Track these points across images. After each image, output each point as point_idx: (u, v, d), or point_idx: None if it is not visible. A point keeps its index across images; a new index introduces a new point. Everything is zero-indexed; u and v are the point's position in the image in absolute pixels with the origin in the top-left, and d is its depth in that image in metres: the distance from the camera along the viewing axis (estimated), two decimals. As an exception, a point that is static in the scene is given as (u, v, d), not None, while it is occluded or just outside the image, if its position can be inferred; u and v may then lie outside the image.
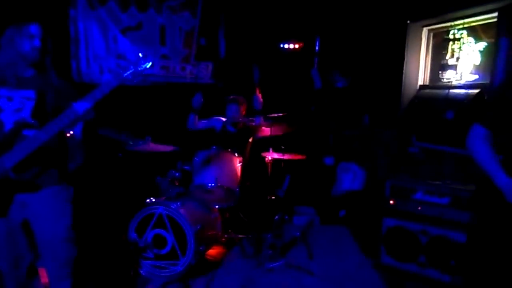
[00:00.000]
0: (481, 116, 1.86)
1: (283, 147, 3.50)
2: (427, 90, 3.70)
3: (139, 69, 1.91)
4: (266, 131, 3.57)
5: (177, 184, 3.21)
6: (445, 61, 3.45)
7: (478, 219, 1.90)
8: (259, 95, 3.62)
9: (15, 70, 1.95)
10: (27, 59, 1.96)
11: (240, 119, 3.69)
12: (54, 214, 2.01)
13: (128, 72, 1.89)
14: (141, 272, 2.96)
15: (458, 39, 3.35)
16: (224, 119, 3.86)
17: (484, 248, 1.85)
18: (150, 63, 1.92)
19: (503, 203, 1.72)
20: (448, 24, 3.45)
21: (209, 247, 3.25)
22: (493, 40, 3.03)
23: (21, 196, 1.96)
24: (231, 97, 3.79)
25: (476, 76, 3.27)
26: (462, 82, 3.34)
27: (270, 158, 3.52)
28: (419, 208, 2.97)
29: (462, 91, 3.26)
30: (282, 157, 3.45)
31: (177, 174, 3.21)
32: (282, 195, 3.73)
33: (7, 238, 1.99)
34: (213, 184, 3.06)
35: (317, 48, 4.82)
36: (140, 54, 1.92)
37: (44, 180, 1.98)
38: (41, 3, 4.09)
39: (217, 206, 3.29)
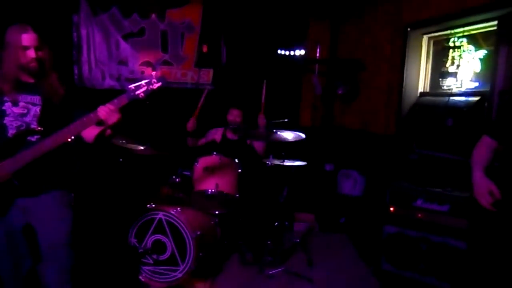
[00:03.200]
0: (487, 126, 2.01)
1: (283, 154, 3.50)
2: (428, 97, 3.71)
3: (151, 88, 1.91)
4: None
5: (177, 190, 3.21)
6: (445, 69, 3.46)
7: (472, 225, 1.92)
8: (263, 116, 3.76)
9: (18, 79, 1.96)
10: (26, 70, 1.94)
11: (241, 124, 3.72)
12: (54, 219, 2.02)
13: (141, 91, 1.89)
14: (140, 277, 2.96)
15: (458, 47, 3.36)
16: (221, 128, 3.89)
17: (478, 253, 1.86)
18: (161, 84, 1.92)
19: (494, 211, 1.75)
20: (448, 32, 3.46)
21: (208, 253, 3.24)
22: (493, 48, 3.04)
23: (23, 201, 1.97)
24: (234, 102, 3.83)
25: (476, 84, 3.27)
26: (462, 89, 3.35)
27: (270, 164, 3.51)
28: (419, 215, 2.97)
29: (462, 98, 3.26)
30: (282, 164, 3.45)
31: (177, 180, 3.21)
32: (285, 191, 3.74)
33: (8, 242, 2.00)
34: (213, 190, 3.06)
35: (317, 54, 4.84)
36: (153, 73, 1.93)
37: (45, 185, 1.99)
38: (44, 8, 4.13)
39: (217, 212, 3.28)
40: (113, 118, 1.89)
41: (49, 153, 1.90)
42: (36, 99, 1.97)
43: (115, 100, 1.89)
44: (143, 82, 1.90)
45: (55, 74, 2.04)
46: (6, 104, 1.94)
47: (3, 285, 2.03)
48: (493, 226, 1.79)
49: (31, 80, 1.99)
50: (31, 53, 1.91)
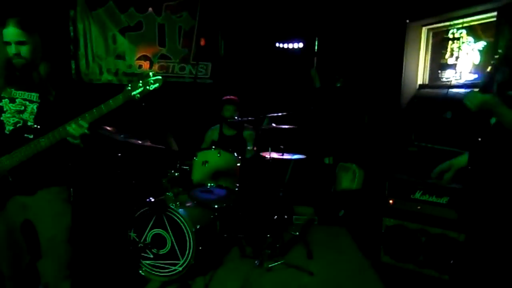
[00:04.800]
0: None
1: (282, 147, 3.50)
2: (427, 90, 3.70)
3: (148, 88, 1.86)
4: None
5: (176, 184, 3.20)
6: (444, 61, 3.45)
7: (465, 217, 1.91)
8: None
9: (11, 74, 1.93)
10: (15, 65, 1.90)
11: (237, 118, 3.70)
12: (53, 215, 2.01)
13: (137, 92, 1.85)
14: (140, 272, 2.96)
15: (458, 39, 3.35)
16: (216, 126, 3.87)
17: (474, 245, 1.86)
18: (158, 84, 1.87)
19: (487, 202, 1.74)
20: (448, 23, 3.44)
21: (208, 247, 3.24)
22: (492, 39, 3.02)
23: (21, 198, 1.96)
24: (227, 97, 3.80)
25: (476, 76, 3.26)
26: (462, 81, 3.33)
27: (269, 157, 3.51)
28: (418, 207, 2.97)
29: (462, 90, 3.25)
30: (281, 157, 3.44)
31: (176, 174, 3.21)
32: (285, 182, 3.71)
33: (7, 239, 2.00)
34: (212, 184, 3.06)
35: (316, 47, 4.81)
36: (151, 73, 1.87)
37: (41, 182, 1.98)
38: (40, 3, 4.10)
39: (216, 206, 3.29)
40: (78, 133, 1.84)
41: (44, 150, 1.89)
42: (34, 96, 1.95)
43: (111, 101, 1.83)
44: (140, 82, 1.85)
45: (48, 69, 1.99)
46: (3, 100, 1.93)
47: (3, 280, 2.04)
48: (486, 218, 1.79)
49: (22, 75, 1.95)
50: (12, 49, 1.86)
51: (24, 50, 1.88)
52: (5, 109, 1.92)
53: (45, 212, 1.99)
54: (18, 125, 1.92)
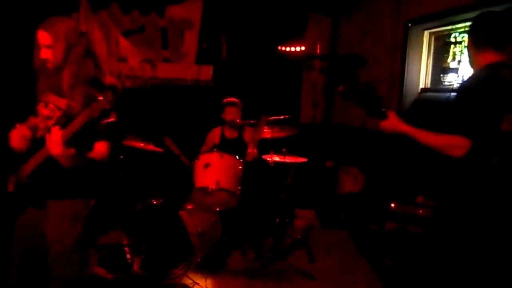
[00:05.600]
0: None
1: (283, 150, 3.49)
2: (429, 93, 3.69)
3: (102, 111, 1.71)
4: (267, 133, 3.56)
5: (178, 187, 3.20)
6: (446, 64, 3.45)
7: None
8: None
9: (49, 77, 1.89)
10: (48, 69, 1.87)
11: (239, 121, 3.70)
12: (58, 230, 1.89)
13: (96, 111, 1.70)
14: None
15: (460, 42, 3.35)
16: (217, 128, 3.87)
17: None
18: (110, 107, 1.74)
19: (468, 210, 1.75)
20: (450, 27, 3.44)
21: (210, 250, 3.24)
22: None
23: (33, 210, 1.92)
24: (229, 99, 3.78)
25: (477, 80, 3.26)
26: (464, 85, 3.33)
27: (271, 160, 3.51)
28: (420, 211, 2.96)
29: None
30: (283, 160, 3.44)
31: (178, 177, 3.21)
32: (285, 188, 3.71)
33: (27, 247, 1.93)
34: (214, 187, 3.06)
35: (318, 50, 4.83)
36: (109, 94, 1.73)
37: (53, 195, 1.90)
38: (42, 6, 4.11)
39: (218, 209, 3.28)
40: (54, 149, 1.66)
41: (57, 163, 1.75)
42: (62, 103, 1.88)
43: (64, 132, 1.68)
44: (100, 99, 1.71)
45: (73, 75, 1.86)
46: (40, 104, 1.91)
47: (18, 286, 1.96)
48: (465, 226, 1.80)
49: (55, 80, 1.89)
50: (42, 53, 1.84)
51: (52, 54, 1.85)
52: (39, 113, 1.90)
53: (50, 225, 1.90)
54: (45, 131, 1.83)
